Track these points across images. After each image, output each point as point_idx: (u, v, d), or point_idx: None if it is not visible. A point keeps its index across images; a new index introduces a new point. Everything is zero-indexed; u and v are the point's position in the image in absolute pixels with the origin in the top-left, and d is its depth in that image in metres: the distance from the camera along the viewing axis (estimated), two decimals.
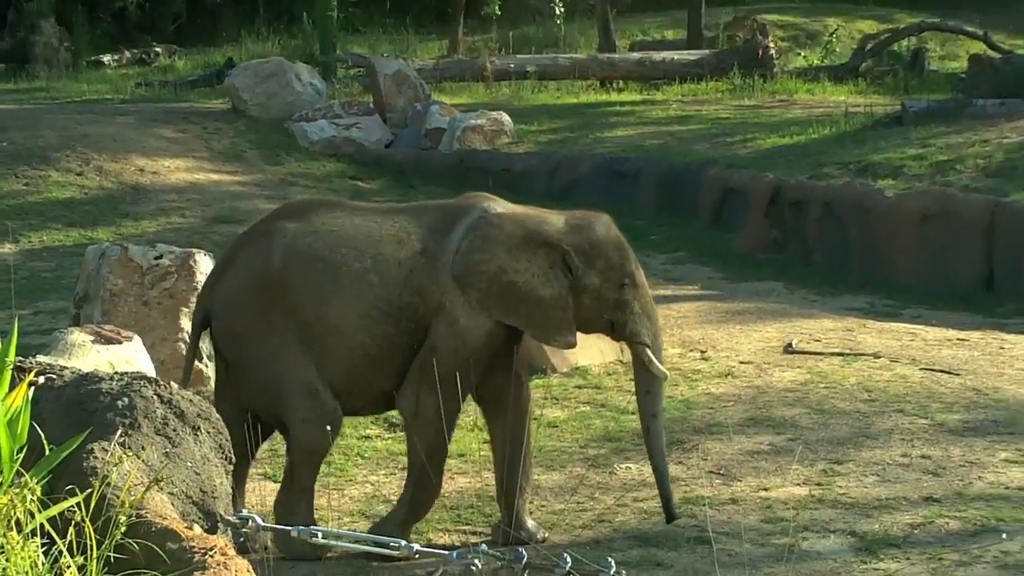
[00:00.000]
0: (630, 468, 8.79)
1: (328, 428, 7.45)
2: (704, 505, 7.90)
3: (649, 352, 7.70)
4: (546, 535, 7.73)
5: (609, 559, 5.15)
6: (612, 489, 8.49)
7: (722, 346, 11.44)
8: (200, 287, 9.89)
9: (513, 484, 7.60)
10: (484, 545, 5.36)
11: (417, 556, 5.33)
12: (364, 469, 8.89)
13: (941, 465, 8.73)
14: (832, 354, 11.22)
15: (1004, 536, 7.57)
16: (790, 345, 11.44)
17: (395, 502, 7.83)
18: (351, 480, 8.70)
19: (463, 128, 20.34)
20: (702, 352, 11.33)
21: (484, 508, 8.13)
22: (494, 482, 7.91)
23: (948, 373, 10.61)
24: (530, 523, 7.74)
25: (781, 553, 7.02)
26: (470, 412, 9.61)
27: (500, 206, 7.68)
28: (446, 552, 5.34)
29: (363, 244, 7.45)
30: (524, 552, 5.17)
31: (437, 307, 7.39)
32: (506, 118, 20.78)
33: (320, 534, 5.23)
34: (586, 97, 24.31)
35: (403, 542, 5.22)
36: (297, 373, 7.39)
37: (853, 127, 18.61)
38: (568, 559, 5.08)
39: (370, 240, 7.47)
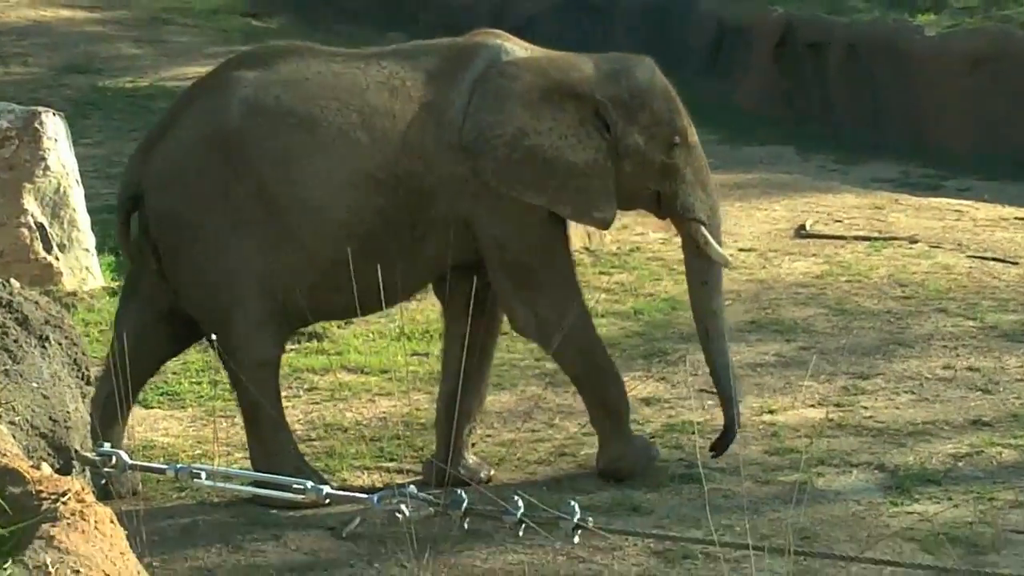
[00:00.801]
0: None
1: (280, 334, 7.48)
2: (693, 432, 7.92)
3: (705, 231, 7.68)
4: (491, 472, 7.76)
5: (572, 502, 5.17)
6: (576, 413, 8.47)
7: None
8: (49, 155, 9.86)
9: (465, 408, 7.64)
10: (413, 486, 5.36)
11: (328, 500, 5.34)
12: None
13: (993, 379, 8.79)
14: (856, 238, 11.30)
15: None
16: (803, 227, 11.50)
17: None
18: None
19: None
20: None
21: (414, 439, 8.15)
22: (437, 402, 7.91)
23: (1003, 262, 10.68)
24: (471, 458, 7.77)
25: (790, 493, 7.06)
26: (395, 317, 9.63)
27: (515, 48, 7.62)
28: (365, 496, 5.35)
29: (346, 95, 7.40)
30: (464, 495, 5.19)
31: (455, 183, 7.36)
32: None
33: (204, 474, 5.22)
34: None
35: (308, 483, 5.21)
36: (252, 265, 7.30)
37: None
38: (520, 503, 5.10)
39: (355, 89, 7.42)
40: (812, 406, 8.42)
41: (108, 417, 7.07)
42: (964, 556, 6.78)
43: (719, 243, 7.74)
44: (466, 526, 5.34)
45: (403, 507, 5.15)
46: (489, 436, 8.17)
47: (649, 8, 17.79)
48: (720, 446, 7.71)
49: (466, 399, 7.65)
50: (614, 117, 7.47)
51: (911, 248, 11.06)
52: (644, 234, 11.59)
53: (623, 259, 11.09)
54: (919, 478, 7.63)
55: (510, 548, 6.89)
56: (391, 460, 7.96)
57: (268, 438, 7.47)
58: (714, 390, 8.49)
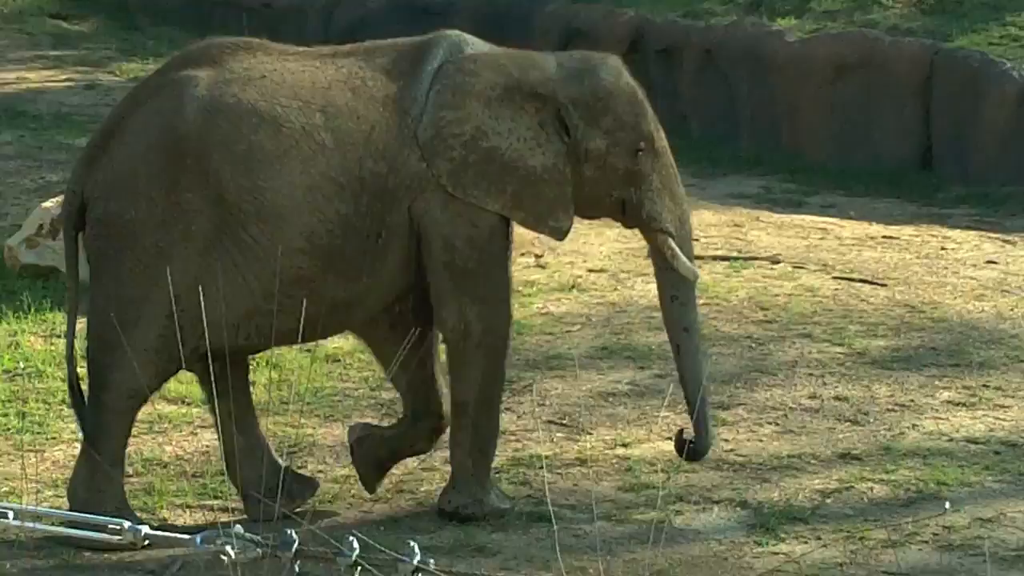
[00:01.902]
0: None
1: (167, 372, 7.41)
2: (541, 467, 7.93)
3: (672, 243, 7.70)
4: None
5: (411, 542, 5.16)
6: None
7: (564, 248, 11.44)
8: None
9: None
10: (239, 526, 5.32)
11: (147, 542, 5.29)
12: (72, 423, 8.78)
13: (862, 410, 8.87)
14: (714, 258, 11.35)
15: (947, 506, 7.68)
16: None
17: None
18: (55, 438, 8.59)
19: None
20: (537, 257, 11.39)
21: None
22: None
23: (871, 283, 10.79)
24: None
25: (646, 532, 7.07)
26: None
27: (474, 43, 7.64)
28: (187, 536, 5.31)
29: (307, 93, 7.36)
30: (294, 535, 5.16)
31: (415, 180, 7.36)
32: None
33: (11, 514, 5.15)
34: None
35: (126, 523, 5.17)
36: (177, 283, 7.13)
37: None
38: (355, 544, 5.07)
39: (316, 88, 7.39)
40: (669, 438, 8.40)
41: None
42: None
43: (689, 255, 7.78)
44: (297, 569, 5.29)
45: (228, 548, 5.11)
46: (321, 472, 8.12)
47: (488, 11, 17.81)
48: (690, 454, 7.78)
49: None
50: (575, 120, 7.51)
51: (773, 269, 11.13)
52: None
53: None
54: (784, 516, 7.66)
55: None
56: (215, 497, 7.90)
57: (97, 471, 7.35)
58: (563, 421, 8.52)
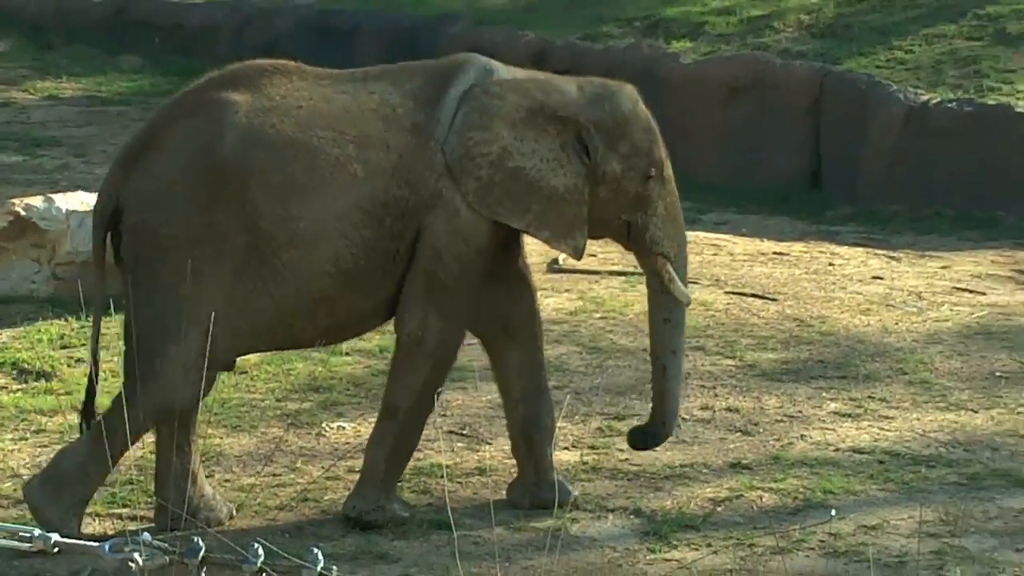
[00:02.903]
0: (344, 428, 8.78)
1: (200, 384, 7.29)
2: (442, 476, 7.93)
3: (671, 268, 7.77)
4: (233, 514, 7.69)
5: (315, 550, 5.17)
6: (320, 456, 8.47)
7: None
8: None
9: (543, 426, 7.83)
10: (147, 534, 5.30)
11: (57, 549, 5.27)
12: None
13: (752, 420, 8.92)
14: (611, 273, 11.37)
15: (834, 513, 7.74)
16: (556, 261, 11.56)
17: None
18: None
19: None
20: None
21: (148, 483, 8.04)
22: (510, 430, 7.97)
23: (762, 298, 10.83)
24: (562, 480, 7.87)
25: (543, 540, 7.08)
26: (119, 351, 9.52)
27: (498, 67, 7.66)
28: (96, 544, 5.28)
29: (342, 123, 7.40)
30: (200, 542, 5.15)
31: (431, 198, 7.40)
32: None
33: None
34: None
35: (36, 531, 5.15)
36: (214, 301, 7.19)
37: None
38: (260, 551, 5.07)
39: (349, 118, 7.42)
40: (566, 448, 8.45)
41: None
42: None
43: (684, 280, 7.82)
44: (203, 575, 5.28)
45: (136, 556, 5.10)
46: (228, 481, 8.09)
47: (394, 32, 17.81)
48: (639, 442, 8.02)
49: (540, 417, 7.83)
50: (596, 142, 7.55)
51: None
52: None
53: None
54: (677, 523, 7.68)
55: None
56: (124, 506, 7.83)
57: (84, 474, 7.36)
58: (463, 432, 8.53)
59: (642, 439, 7.98)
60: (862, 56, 14.73)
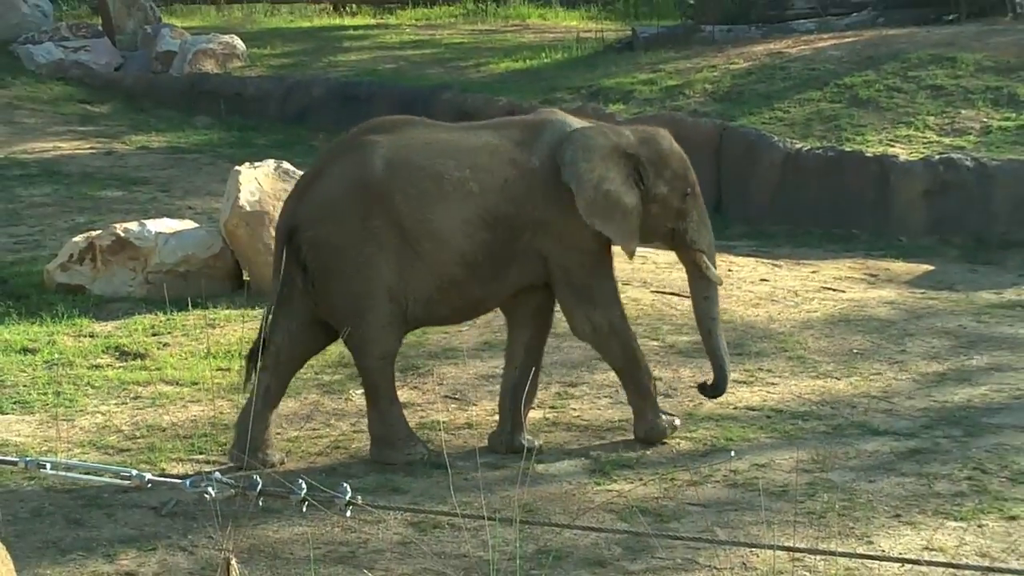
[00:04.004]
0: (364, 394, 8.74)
1: (400, 334, 7.67)
2: (440, 430, 7.91)
3: (706, 259, 8.01)
4: (284, 459, 7.67)
5: (344, 485, 5.12)
6: (347, 415, 8.44)
7: None
8: None
9: (526, 390, 7.83)
10: (218, 472, 5.27)
11: (150, 485, 5.22)
12: (95, 399, 8.68)
13: (672, 386, 8.89)
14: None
15: (732, 455, 7.74)
16: None
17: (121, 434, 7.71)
18: (81, 410, 8.48)
19: (194, 51, 19.96)
20: None
21: (218, 437, 8.01)
22: (503, 387, 8.03)
23: (678, 296, 10.77)
24: (525, 434, 7.93)
25: (516, 476, 7.06)
26: (202, 340, 9.49)
27: (574, 119, 7.92)
28: (179, 480, 5.24)
29: (460, 154, 7.59)
30: (259, 479, 5.11)
31: (535, 222, 7.61)
32: (238, 41, 20.47)
33: (48, 465, 5.08)
34: (319, 21, 24.07)
35: (134, 471, 5.10)
36: (386, 279, 7.48)
37: (585, 52, 18.79)
38: (303, 485, 5.03)
39: (466, 150, 7.62)
40: (534, 408, 8.40)
41: (261, 414, 7.49)
42: (652, 523, 6.84)
43: (714, 267, 8.06)
44: (260, 504, 5.25)
45: (210, 489, 5.06)
46: (279, 433, 8.03)
47: (400, 98, 17.77)
48: (709, 394, 8.21)
49: (528, 385, 7.84)
50: (648, 172, 7.78)
51: None
52: None
53: None
54: (616, 463, 7.67)
55: (296, 522, 6.81)
56: (200, 453, 7.82)
57: (385, 410, 7.65)
58: (456, 396, 8.52)
59: (711, 391, 8.18)
60: (751, 115, 14.71)
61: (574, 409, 8.49)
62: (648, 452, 7.83)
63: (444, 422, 8.10)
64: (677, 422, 8.04)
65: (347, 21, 23.94)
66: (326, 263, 7.50)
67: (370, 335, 7.55)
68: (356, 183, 7.49)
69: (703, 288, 8.12)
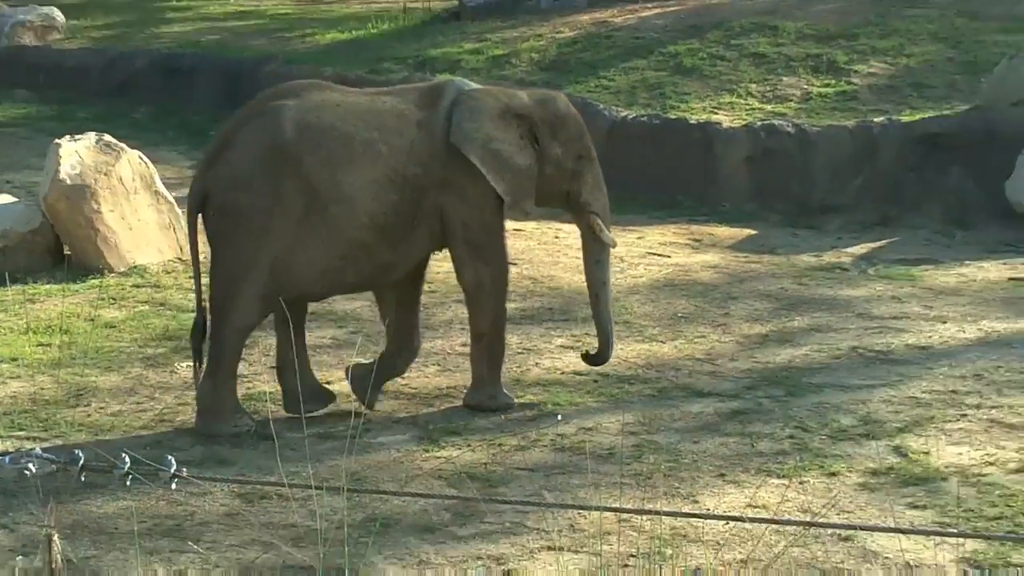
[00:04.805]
0: (191, 366, 8.63)
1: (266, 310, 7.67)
2: (266, 401, 7.85)
3: (600, 221, 8.06)
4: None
5: (169, 457, 5.06)
6: (173, 388, 8.36)
7: None
8: None
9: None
10: (38, 448, 5.18)
11: None
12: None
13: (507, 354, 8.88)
14: None
15: (559, 419, 7.80)
16: None
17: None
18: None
19: (12, 24, 19.63)
20: None
21: (39, 413, 7.88)
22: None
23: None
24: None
25: (344, 445, 7.03)
26: (21, 315, 9.33)
27: (471, 83, 8.11)
28: None
29: (368, 116, 7.67)
30: (80, 454, 5.04)
31: (440, 180, 7.69)
32: (57, 13, 20.14)
33: None
34: None
35: None
36: (276, 250, 7.49)
37: (412, 23, 18.79)
38: (127, 459, 4.97)
39: (373, 112, 7.70)
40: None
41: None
42: (481, 488, 6.86)
43: (608, 231, 8.10)
44: (83, 479, 5.17)
45: (30, 466, 4.98)
46: (102, 408, 7.95)
47: (224, 70, 17.62)
48: (593, 362, 8.29)
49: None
50: (544, 132, 7.87)
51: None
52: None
53: (207, 266, 10.89)
54: (444, 431, 7.69)
55: (120, 496, 6.72)
56: (21, 430, 7.69)
57: (221, 382, 7.63)
58: (280, 365, 8.46)
59: (596, 359, 8.26)
60: (578, 84, 14.79)
61: (401, 378, 8.47)
62: (476, 419, 7.85)
63: (271, 393, 8.04)
64: (512, 401, 8.03)
65: None
66: (227, 227, 7.56)
67: (238, 304, 7.56)
68: (267, 147, 7.54)
69: (596, 251, 8.21)
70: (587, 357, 8.28)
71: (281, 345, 7.92)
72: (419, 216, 7.70)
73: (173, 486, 5.24)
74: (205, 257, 7.86)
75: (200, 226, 7.76)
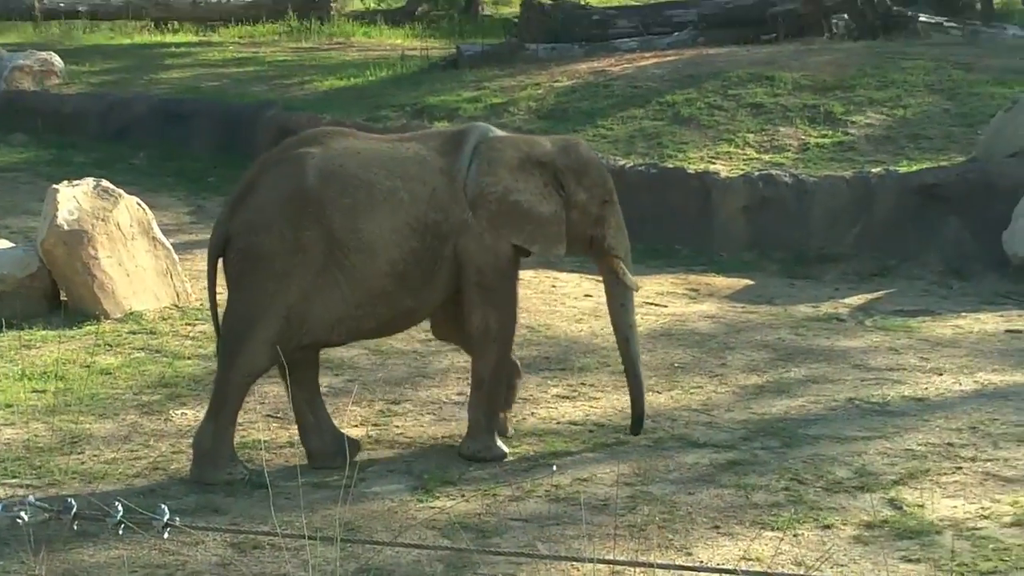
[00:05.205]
0: (186, 414, 8.66)
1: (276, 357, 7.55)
2: (261, 449, 7.85)
3: (623, 265, 8.14)
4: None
5: (162, 506, 5.06)
6: (167, 436, 8.34)
7: None
8: None
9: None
10: (32, 497, 5.18)
11: None
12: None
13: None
14: None
15: (555, 469, 7.80)
16: None
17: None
18: None
19: (10, 68, 19.66)
20: None
21: (32, 460, 7.87)
22: None
23: None
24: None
25: (338, 495, 7.03)
26: (17, 361, 9.33)
27: (495, 130, 8.11)
28: None
29: (390, 164, 7.69)
30: (73, 502, 5.04)
31: (460, 225, 7.71)
32: (56, 58, 20.19)
33: None
34: (140, 38, 23.86)
35: None
36: (292, 298, 7.51)
37: (409, 70, 18.85)
38: (120, 508, 4.97)
39: (396, 160, 7.72)
40: (356, 425, 8.42)
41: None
42: (474, 539, 6.85)
43: (631, 274, 8.19)
44: (75, 527, 5.18)
45: (22, 514, 4.99)
46: (95, 455, 7.94)
47: (223, 116, 17.68)
48: (636, 428, 8.29)
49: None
50: (568, 180, 7.90)
51: None
52: (222, 294, 11.46)
53: (205, 313, 10.89)
54: (439, 480, 7.67)
55: (113, 545, 6.70)
56: (14, 477, 7.67)
57: (222, 428, 7.63)
58: (277, 416, 8.46)
59: (634, 428, 8.32)
60: (575, 132, 14.80)
61: (397, 426, 8.48)
62: (471, 468, 7.84)
63: (265, 441, 8.04)
64: (505, 450, 8.02)
65: (169, 38, 23.74)
66: (246, 270, 7.58)
67: (249, 348, 7.54)
68: (290, 194, 7.56)
69: (620, 295, 8.27)
70: (631, 427, 8.33)
71: (297, 403, 7.89)
72: (440, 262, 7.72)
73: (166, 535, 5.25)
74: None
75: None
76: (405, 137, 8.21)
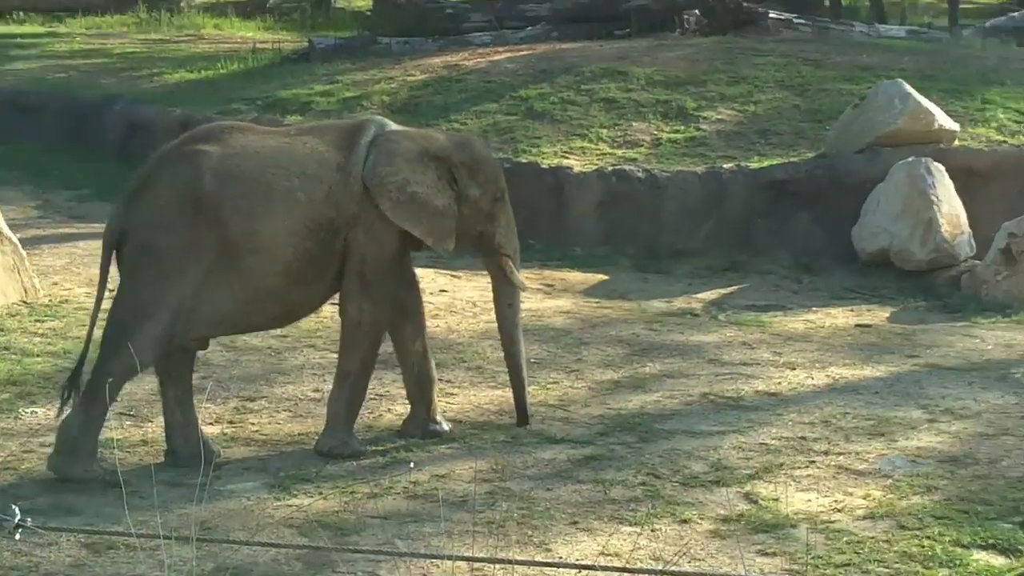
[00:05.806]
0: (36, 412, 8.52)
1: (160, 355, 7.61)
2: (114, 448, 7.74)
3: (511, 264, 8.21)
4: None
5: (13, 507, 4.98)
6: (17, 435, 8.20)
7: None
8: None
9: (431, 379, 8.33)
10: None
11: None
12: None
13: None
14: None
15: (412, 465, 7.79)
16: None
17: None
18: None
19: None
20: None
21: None
22: (405, 385, 8.39)
23: None
24: (440, 419, 8.34)
25: (193, 493, 6.94)
26: None
27: (390, 123, 8.11)
28: None
29: (288, 163, 7.67)
30: None
31: (352, 218, 7.70)
32: None
33: None
34: None
35: None
36: (181, 296, 7.46)
37: (261, 63, 18.73)
38: None
39: (293, 158, 7.70)
40: (211, 423, 8.34)
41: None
42: (333, 537, 6.82)
43: (519, 274, 8.24)
44: None
45: None
46: None
47: (70, 109, 17.44)
48: (522, 420, 8.47)
49: (429, 372, 8.40)
50: (461, 175, 7.94)
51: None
52: (71, 289, 11.31)
53: (54, 309, 10.75)
54: (296, 477, 7.63)
55: None
56: None
57: (92, 420, 7.53)
58: (131, 413, 8.36)
59: (520, 420, 8.49)
60: (429, 126, 14.78)
61: (252, 424, 8.42)
62: (328, 465, 7.80)
63: (119, 439, 7.93)
64: (362, 449, 8.01)
65: (14, 29, 23.36)
66: (142, 264, 7.51)
67: (135, 342, 7.40)
68: (187, 195, 7.50)
69: (508, 295, 8.34)
70: (517, 421, 8.47)
71: (167, 401, 7.87)
72: (331, 256, 7.74)
73: (17, 536, 5.16)
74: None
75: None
76: (303, 130, 8.21)
